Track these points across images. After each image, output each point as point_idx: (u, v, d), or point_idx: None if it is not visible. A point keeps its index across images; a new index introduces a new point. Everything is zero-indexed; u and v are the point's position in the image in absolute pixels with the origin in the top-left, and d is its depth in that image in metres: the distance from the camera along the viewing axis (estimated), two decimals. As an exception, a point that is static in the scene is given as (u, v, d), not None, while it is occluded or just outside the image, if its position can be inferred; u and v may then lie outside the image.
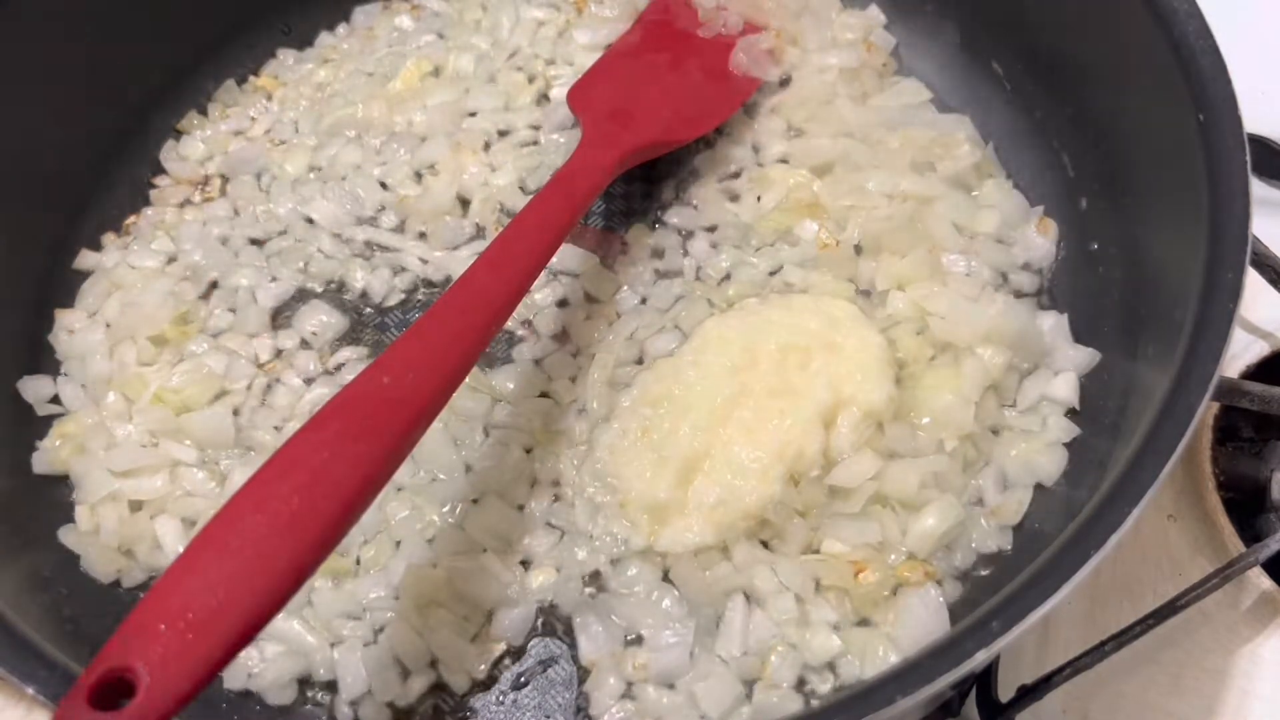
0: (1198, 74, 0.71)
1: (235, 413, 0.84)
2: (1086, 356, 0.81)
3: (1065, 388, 0.80)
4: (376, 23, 1.08)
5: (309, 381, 0.86)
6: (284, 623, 0.75)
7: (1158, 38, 0.74)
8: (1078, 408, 0.79)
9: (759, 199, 0.91)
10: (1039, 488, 0.77)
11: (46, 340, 0.89)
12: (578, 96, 0.91)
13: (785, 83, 0.99)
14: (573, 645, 0.75)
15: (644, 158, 0.87)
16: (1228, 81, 0.70)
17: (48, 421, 0.85)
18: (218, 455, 0.83)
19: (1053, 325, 0.83)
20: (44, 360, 0.88)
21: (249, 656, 0.75)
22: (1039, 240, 0.87)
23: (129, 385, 0.85)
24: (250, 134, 1.02)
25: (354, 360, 0.88)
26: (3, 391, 0.85)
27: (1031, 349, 0.81)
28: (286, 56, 1.06)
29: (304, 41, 1.07)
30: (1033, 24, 0.91)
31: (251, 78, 1.05)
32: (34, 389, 0.86)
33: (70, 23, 0.91)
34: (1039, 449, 0.78)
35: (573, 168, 0.81)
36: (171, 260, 0.93)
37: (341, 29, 1.08)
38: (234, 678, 0.74)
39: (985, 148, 0.92)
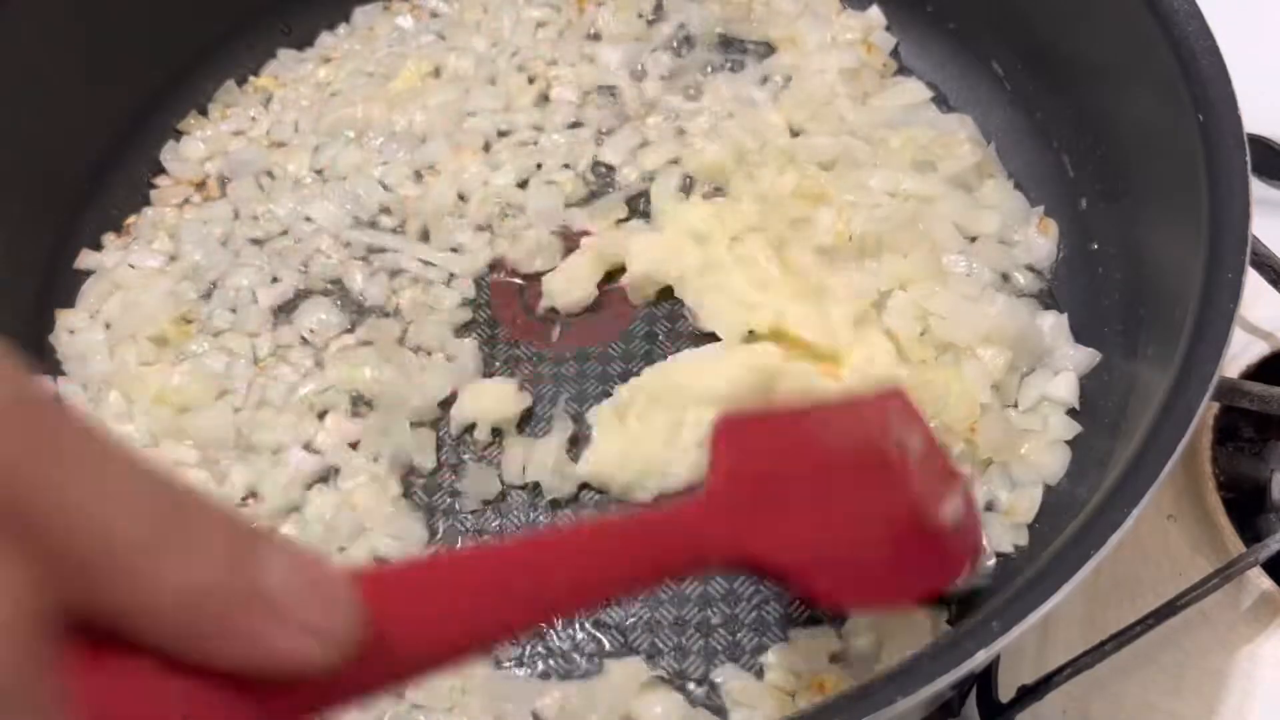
0: (1198, 74, 0.71)
1: (235, 412, 0.84)
2: (1086, 356, 0.81)
3: (1065, 387, 0.80)
4: (377, 23, 1.08)
5: (305, 376, 0.86)
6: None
7: (1158, 38, 0.74)
8: (1078, 407, 0.79)
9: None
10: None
11: (47, 341, 0.89)
12: (730, 428, 0.57)
13: (786, 82, 0.99)
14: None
15: (756, 570, 0.54)
16: (1228, 82, 0.70)
17: (48, 422, 0.85)
18: (218, 455, 0.82)
19: (1053, 325, 0.83)
20: (44, 361, 0.88)
21: None
22: (1040, 241, 0.87)
23: (129, 385, 0.85)
24: (250, 134, 1.01)
25: (350, 345, 0.87)
26: (3, 392, 0.85)
27: (1032, 349, 0.81)
28: (286, 56, 1.06)
29: (304, 41, 1.07)
30: (1033, 24, 0.91)
31: (251, 78, 1.05)
32: (34, 389, 0.86)
33: (70, 23, 0.91)
34: (1041, 448, 0.78)
35: (672, 522, 0.51)
36: (172, 260, 0.93)
37: (342, 29, 1.08)
38: None
39: (987, 147, 0.92)
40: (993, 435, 0.77)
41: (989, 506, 0.77)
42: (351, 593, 0.32)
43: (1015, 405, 0.80)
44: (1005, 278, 0.86)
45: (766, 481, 0.54)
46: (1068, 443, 0.78)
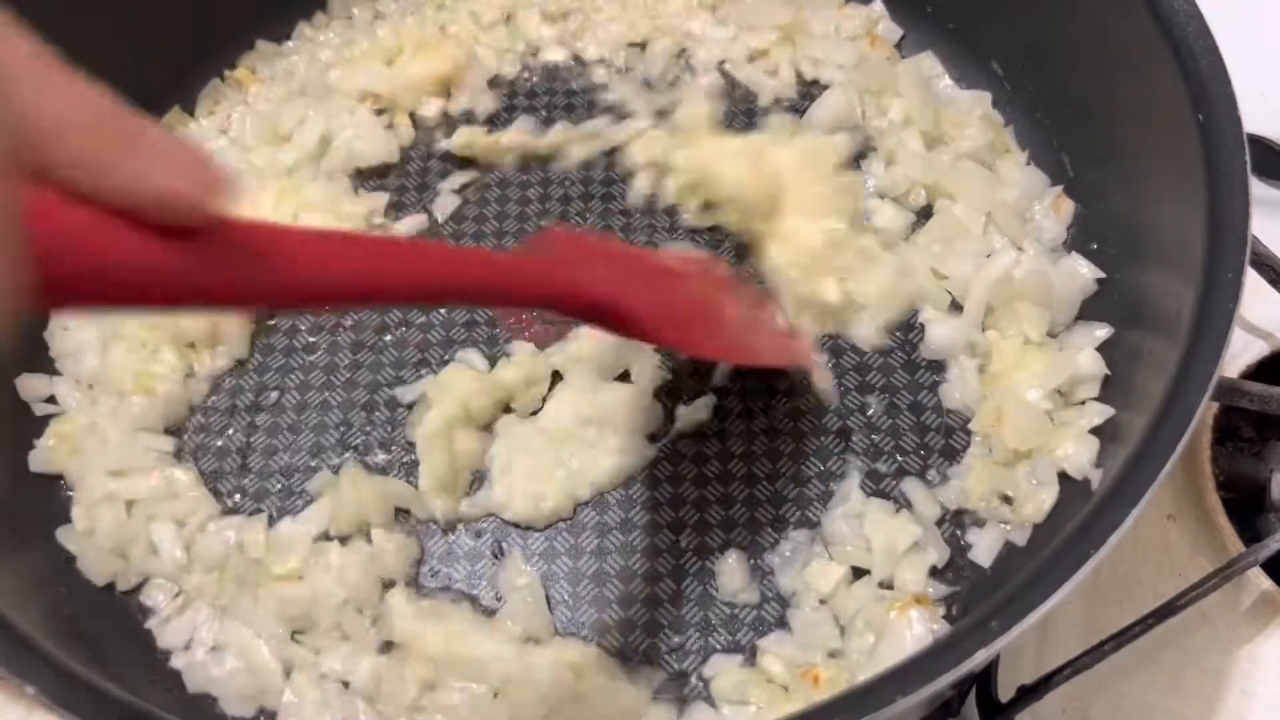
0: (1197, 75, 0.71)
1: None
2: (1101, 330, 0.80)
3: (1091, 362, 0.78)
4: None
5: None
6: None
7: (1157, 38, 0.74)
8: (1109, 373, 0.77)
9: None
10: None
11: (41, 337, 0.89)
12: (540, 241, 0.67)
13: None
14: None
15: (588, 310, 0.63)
16: (1227, 82, 0.70)
17: (46, 420, 0.85)
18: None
19: (1069, 268, 0.83)
20: (43, 358, 0.88)
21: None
22: (1050, 222, 0.87)
23: (120, 381, 0.84)
24: (231, 134, 1.01)
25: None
26: (2, 389, 0.85)
27: (1061, 298, 0.81)
28: (265, 49, 1.06)
29: (282, 36, 1.07)
30: (1032, 24, 0.91)
31: (227, 71, 1.04)
32: (31, 388, 0.86)
33: (70, 22, 0.91)
34: (1070, 439, 0.75)
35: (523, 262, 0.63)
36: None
37: (319, 17, 1.08)
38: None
39: (1003, 127, 0.92)
40: (1022, 425, 0.75)
41: (995, 509, 0.76)
42: (212, 161, 0.39)
43: (1059, 393, 0.78)
44: (1018, 250, 0.86)
45: (592, 255, 0.67)
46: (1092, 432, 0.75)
